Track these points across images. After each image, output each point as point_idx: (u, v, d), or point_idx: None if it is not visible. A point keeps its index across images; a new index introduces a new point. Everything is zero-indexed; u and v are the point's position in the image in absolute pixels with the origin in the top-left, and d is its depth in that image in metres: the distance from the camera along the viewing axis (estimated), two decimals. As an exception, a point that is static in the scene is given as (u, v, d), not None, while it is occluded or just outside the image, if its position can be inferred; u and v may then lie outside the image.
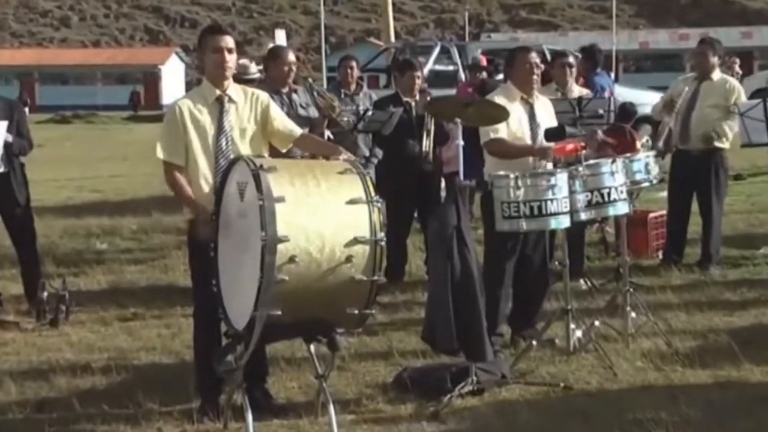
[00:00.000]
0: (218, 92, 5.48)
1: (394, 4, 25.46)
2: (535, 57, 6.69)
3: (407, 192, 8.49)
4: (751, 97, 10.16)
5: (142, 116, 47.65)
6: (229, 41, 5.48)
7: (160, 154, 5.44)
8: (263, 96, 5.63)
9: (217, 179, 5.30)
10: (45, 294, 7.76)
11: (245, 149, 5.42)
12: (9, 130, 7.90)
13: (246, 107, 5.52)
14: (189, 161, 5.45)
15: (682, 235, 9.04)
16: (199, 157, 5.42)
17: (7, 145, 7.82)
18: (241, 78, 8.01)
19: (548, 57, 10.52)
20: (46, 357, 6.82)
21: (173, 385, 5.98)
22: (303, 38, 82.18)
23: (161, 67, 69.81)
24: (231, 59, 5.48)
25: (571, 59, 8.76)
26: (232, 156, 5.33)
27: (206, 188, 5.40)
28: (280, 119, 5.62)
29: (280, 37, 18.48)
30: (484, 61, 12.27)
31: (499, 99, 6.59)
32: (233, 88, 5.54)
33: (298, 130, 5.65)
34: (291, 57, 7.67)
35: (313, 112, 7.83)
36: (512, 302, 6.76)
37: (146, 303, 8.26)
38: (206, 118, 5.45)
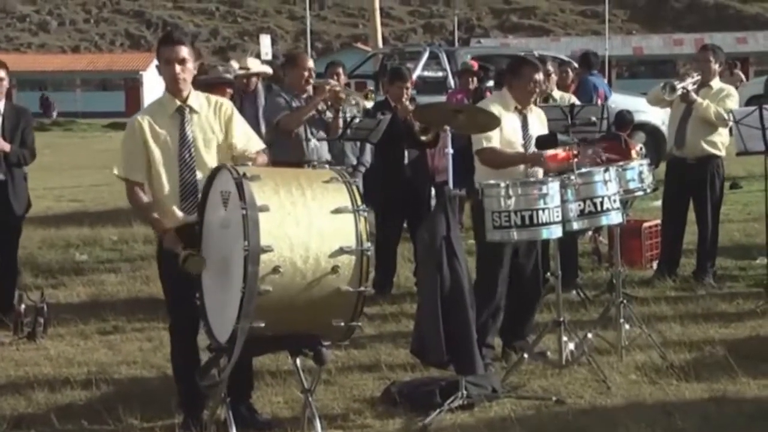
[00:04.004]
0: (178, 103, 5.36)
1: (381, 9, 25.44)
2: (540, 76, 6.69)
3: (396, 201, 8.37)
4: (747, 103, 10.09)
5: (122, 123, 47.19)
6: (180, 51, 5.31)
7: (116, 170, 5.36)
8: (227, 104, 5.51)
9: (200, 189, 5.14)
10: (23, 306, 7.65)
11: (210, 160, 5.29)
12: (13, 137, 7.88)
13: (209, 116, 5.40)
14: (153, 176, 5.32)
15: (677, 245, 8.98)
16: (162, 171, 5.30)
17: (5, 154, 7.81)
18: (216, 82, 7.99)
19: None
20: (23, 371, 6.72)
21: (155, 400, 5.91)
22: (289, 44, 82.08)
23: (143, 73, 69.39)
24: (183, 70, 5.31)
25: (549, 66, 8.69)
26: (196, 168, 5.25)
27: (171, 201, 5.28)
28: (242, 133, 5.43)
29: (265, 43, 18.39)
30: (475, 66, 12.17)
31: (494, 106, 6.53)
32: (195, 97, 5.42)
33: (253, 149, 5.38)
34: (309, 63, 7.84)
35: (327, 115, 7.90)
36: (503, 314, 6.66)
37: (127, 315, 8.17)
38: (167, 131, 5.33)
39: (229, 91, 7.47)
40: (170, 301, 5.46)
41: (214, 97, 5.54)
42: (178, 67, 5.29)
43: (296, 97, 7.74)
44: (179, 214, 5.24)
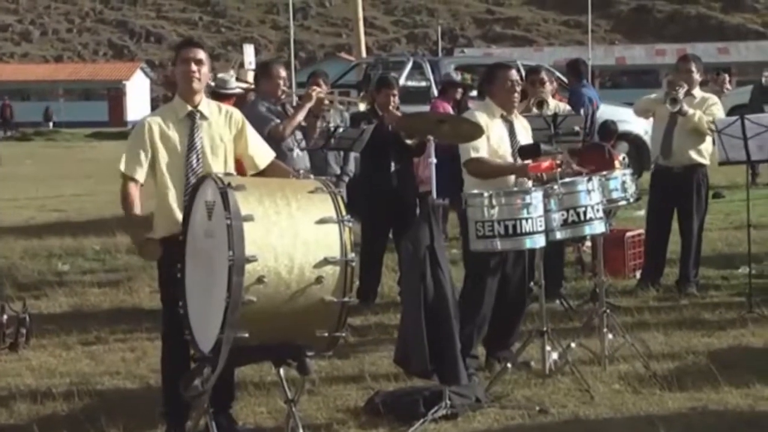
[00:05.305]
0: (189, 108, 5.40)
1: (365, 19, 25.41)
2: (515, 74, 6.66)
3: (382, 210, 8.35)
4: (730, 113, 10.10)
5: (105, 133, 47.31)
6: (197, 52, 5.40)
7: (121, 165, 5.36)
8: (237, 115, 5.54)
9: (185, 198, 5.17)
10: (5, 317, 7.58)
11: (217, 166, 5.32)
12: None
13: (219, 124, 5.44)
14: (158, 179, 5.36)
15: (661, 255, 8.98)
16: (170, 174, 5.33)
17: None
18: (219, 92, 8.02)
19: (522, 73, 10.47)
20: (5, 382, 6.66)
21: (138, 410, 5.88)
22: (272, 53, 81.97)
23: (126, 83, 69.34)
24: (199, 70, 5.38)
25: (543, 75, 8.72)
26: (202, 173, 5.22)
27: (175, 206, 5.30)
28: (255, 143, 5.55)
29: (249, 52, 18.34)
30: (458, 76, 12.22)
31: (480, 115, 6.51)
32: (206, 104, 5.46)
33: (269, 158, 5.57)
34: (282, 72, 7.84)
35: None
36: (487, 323, 6.63)
37: (110, 326, 8.11)
38: (176, 135, 5.36)
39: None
40: (168, 307, 5.39)
41: (225, 106, 5.60)
42: (194, 66, 5.35)
43: (272, 105, 7.72)
44: (179, 219, 5.18)
